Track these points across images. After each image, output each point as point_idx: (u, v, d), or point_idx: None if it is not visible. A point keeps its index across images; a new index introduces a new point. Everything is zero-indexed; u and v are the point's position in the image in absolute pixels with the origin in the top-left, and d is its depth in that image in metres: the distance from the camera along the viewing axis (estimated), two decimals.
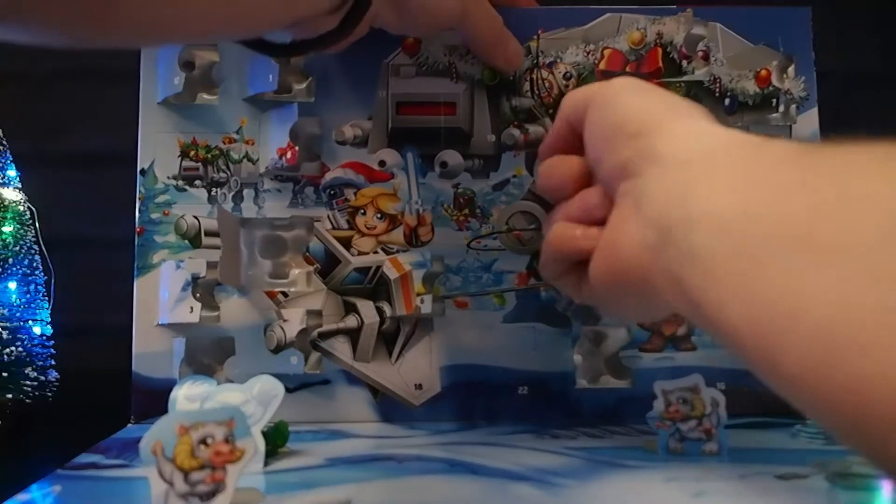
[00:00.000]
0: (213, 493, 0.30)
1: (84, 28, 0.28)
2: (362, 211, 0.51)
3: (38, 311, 0.56)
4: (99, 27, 0.28)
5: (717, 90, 0.51)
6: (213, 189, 0.51)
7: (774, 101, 0.51)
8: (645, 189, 0.30)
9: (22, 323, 0.55)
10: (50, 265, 0.58)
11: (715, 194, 0.26)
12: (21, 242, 0.56)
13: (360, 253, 0.51)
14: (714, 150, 0.28)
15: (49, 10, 0.25)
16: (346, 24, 0.36)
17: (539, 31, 0.51)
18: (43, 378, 0.55)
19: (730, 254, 0.24)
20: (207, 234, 0.50)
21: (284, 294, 0.50)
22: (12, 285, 0.55)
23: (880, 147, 0.21)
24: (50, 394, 0.55)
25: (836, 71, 0.54)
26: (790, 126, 0.51)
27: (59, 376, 0.56)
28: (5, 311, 0.54)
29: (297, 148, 0.50)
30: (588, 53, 0.51)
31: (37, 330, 0.56)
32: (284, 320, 0.50)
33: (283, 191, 0.51)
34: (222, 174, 0.51)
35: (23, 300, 0.55)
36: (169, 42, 0.48)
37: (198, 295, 0.50)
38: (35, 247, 0.57)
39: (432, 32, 0.49)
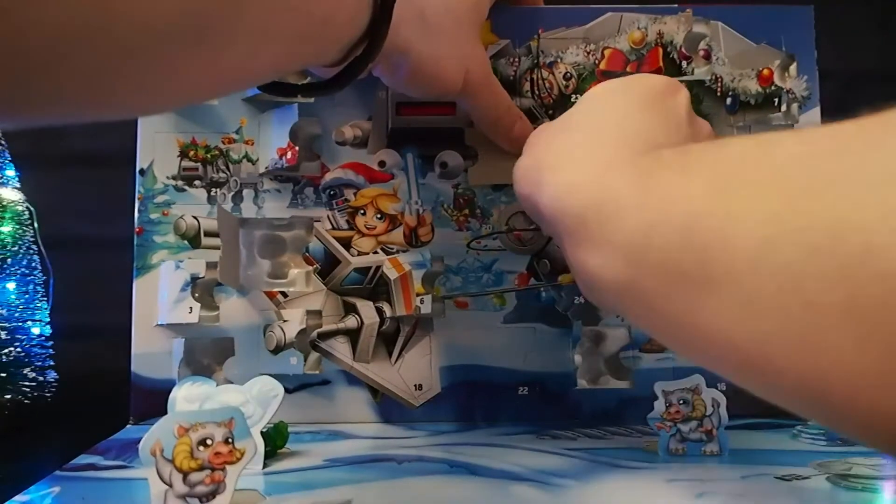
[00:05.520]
0: (212, 494, 0.30)
1: (99, 113, 0.29)
2: (362, 211, 0.51)
3: (36, 312, 0.56)
4: (115, 110, 0.29)
5: (719, 90, 0.51)
6: (213, 189, 0.51)
7: (776, 100, 0.51)
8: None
9: (21, 323, 0.55)
10: (49, 265, 0.58)
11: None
12: (20, 242, 0.56)
13: (360, 253, 0.50)
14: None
15: (60, 109, 0.26)
16: (341, 78, 0.36)
17: (539, 31, 0.51)
18: (42, 378, 0.54)
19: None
20: (207, 234, 0.50)
21: (284, 294, 0.50)
22: (11, 285, 0.55)
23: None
24: (49, 394, 0.55)
25: (838, 70, 0.54)
26: (792, 125, 0.51)
27: (57, 377, 0.56)
28: (4, 312, 0.54)
29: (297, 148, 0.50)
30: (588, 53, 0.51)
31: (35, 330, 0.55)
32: (284, 321, 0.49)
33: (283, 191, 0.51)
34: (222, 174, 0.51)
35: (21, 300, 0.55)
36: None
37: (196, 295, 0.50)
38: (34, 247, 0.57)
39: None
